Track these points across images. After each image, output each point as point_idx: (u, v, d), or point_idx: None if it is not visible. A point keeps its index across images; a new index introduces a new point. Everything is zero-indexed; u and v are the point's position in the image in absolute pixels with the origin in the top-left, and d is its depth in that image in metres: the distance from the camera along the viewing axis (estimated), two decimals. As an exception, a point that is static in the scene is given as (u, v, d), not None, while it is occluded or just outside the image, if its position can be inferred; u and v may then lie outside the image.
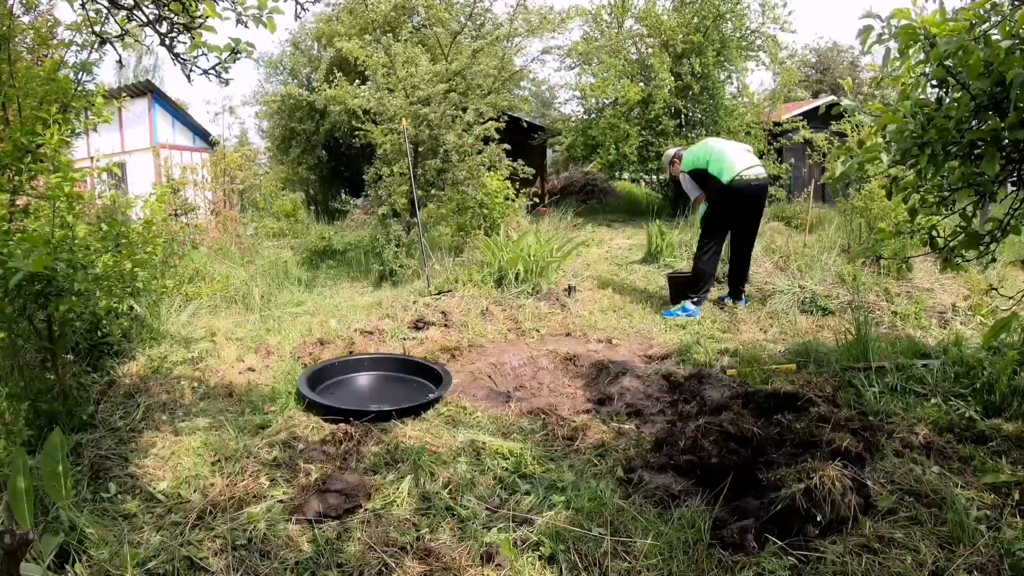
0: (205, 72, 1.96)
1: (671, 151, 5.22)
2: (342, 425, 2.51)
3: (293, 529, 1.77)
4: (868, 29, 1.85)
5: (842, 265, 5.23)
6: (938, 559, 1.51)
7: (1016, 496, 1.75)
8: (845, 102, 2.14)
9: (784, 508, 1.73)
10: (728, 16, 10.72)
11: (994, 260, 1.97)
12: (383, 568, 1.61)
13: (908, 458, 2.02)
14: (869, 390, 2.64)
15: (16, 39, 2.90)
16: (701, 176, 4.61)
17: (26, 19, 4.72)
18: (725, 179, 4.39)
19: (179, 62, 1.93)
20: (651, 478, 2.14)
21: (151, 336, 3.44)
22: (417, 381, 3.15)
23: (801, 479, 1.77)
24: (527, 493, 1.98)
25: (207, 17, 1.84)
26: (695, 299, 4.54)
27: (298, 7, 1.99)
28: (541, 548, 1.66)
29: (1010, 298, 2.28)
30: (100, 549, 1.64)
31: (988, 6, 1.75)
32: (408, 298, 5.10)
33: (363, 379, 3.19)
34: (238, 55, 1.95)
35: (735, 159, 4.46)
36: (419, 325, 4.16)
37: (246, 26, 1.82)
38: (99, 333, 3.08)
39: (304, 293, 6.00)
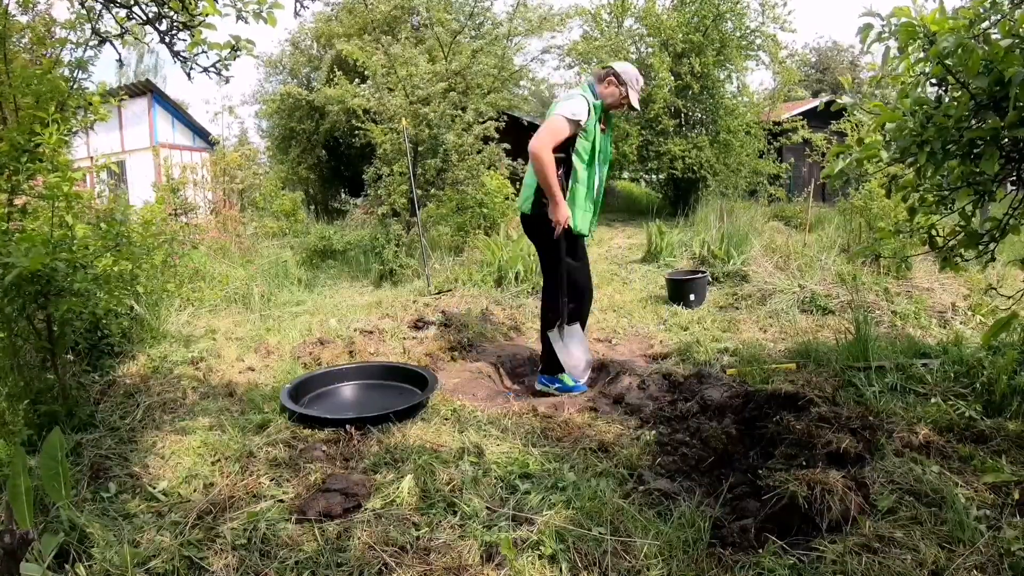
0: (205, 70, 1.96)
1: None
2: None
3: (294, 529, 1.77)
4: (868, 27, 1.85)
5: (842, 264, 5.23)
6: (938, 558, 1.51)
7: (1016, 495, 1.75)
8: (844, 99, 2.13)
9: (784, 508, 1.73)
10: (728, 15, 10.73)
11: (993, 259, 1.97)
12: (383, 567, 1.61)
13: (908, 457, 2.02)
14: (869, 389, 2.64)
15: (13, 38, 2.89)
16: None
17: (23, 19, 4.71)
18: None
19: (179, 60, 1.92)
20: (651, 478, 2.14)
21: (151, 336, 3.44)
22: (402, 387, 3.11)
23: (801, 479, 1.77)
24: (528, 492, 1.98)
25: (207, 15, 1.83)
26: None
27: (297, 4, 1.99)
28: (542, 547, 1.66)
29: (1010, 297, 2.28)
30: (100, 549, 1.64)
31: (987, 4, 1.75)
32: (408, 297, 5.10)
33: (347, 389, 3.16)
34: (238, 52, 1.95)
35: None
36: (419, 324, 4.16)
37: (246, 22, 1.81)
38: (99, 333, 3.08)
39: (304, 293, 6.00)
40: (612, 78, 3.20)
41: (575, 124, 3.05)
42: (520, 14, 8.87)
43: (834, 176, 2.14)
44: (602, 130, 3.23)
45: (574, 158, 3.12)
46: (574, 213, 3.14)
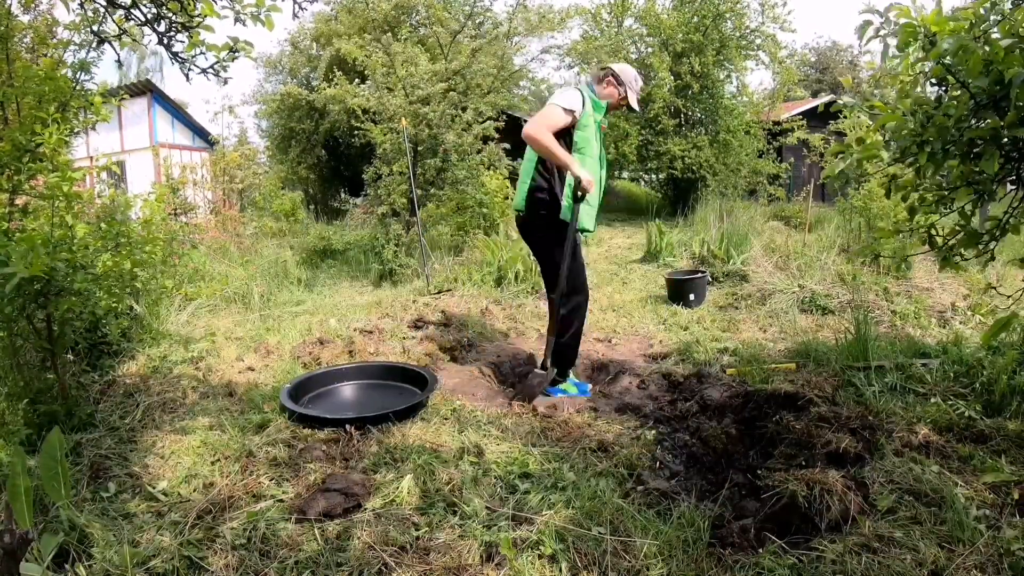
0: (203, 71, 1.96)
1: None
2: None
3: (293, 529, 1.77)
4: (867, 24, 1.85)
5: (842, 264, 5.23)
6: (938, 558, 1.51)
7: (1016, 495, 1.75)
8: (845, 99, 2.13)
9: (783, 507, 1.74)
10: (727, 15, 10.74)
11: (993, 259, 1.97)
12: (383, 567, 1.61)
13: (908, 457, 2.02)
14: (869, 389, 2.64)
15: (15, 38, 2.89)
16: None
17: (25, 19, 4.72)
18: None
19: (177, 61, 1.92)
20: (651, 477, 2.14)
21: (151, 335, 3.44)
22: (402, 387, 3.11)
23: (800, 479, 1.78)
24: (527, 492, 1.98)
25: (205, 16, 1.83)
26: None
27: (296, 6, 1.98)
28: (541, 547, 1.66)
29: (1009, 297, 2.28)
30: (100, 549, 1.64)
31: (988, 5, 1.75)
32: (408, 297, 5.10)
33: (347, 389, 3.15)
34: (236, 54, 1.94)
35: None
36: (419, 324, 4.16)
37: (244, 24, 1.81)
38: (99, 333, 3.08)
39: (304, 292, 6.00)
40: (611, 78, 3.18)
41: (570, 114, 2.98)
42: (520, 13, 8.87)
43: (835, 177, 2.14)
44: (603, 127, 3.19)
45: (574, 154, 3.00)
46: (577, 209, 3.00)
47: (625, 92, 3.18)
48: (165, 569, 1.59)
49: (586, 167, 2.98)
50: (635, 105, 3.25)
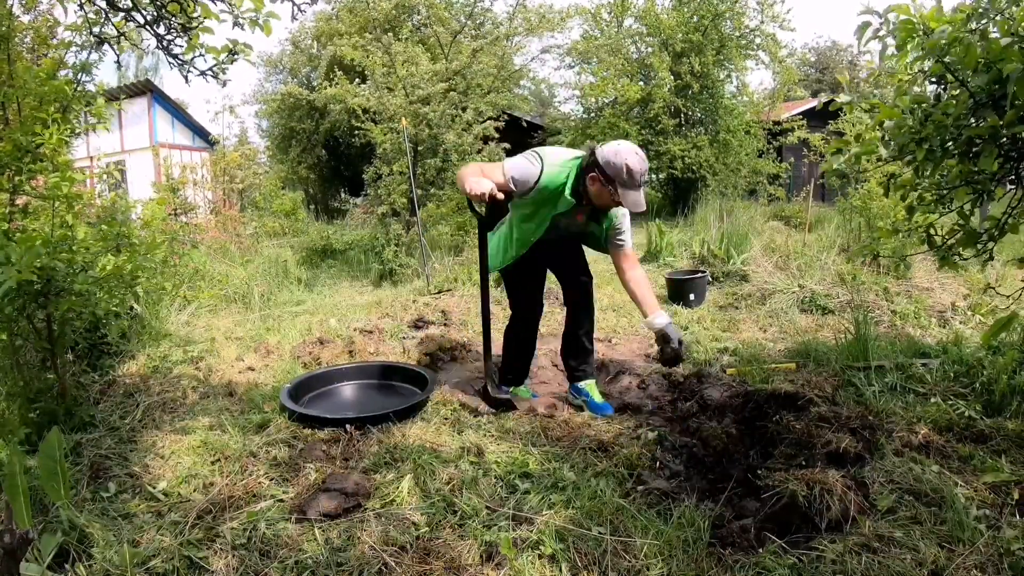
0: (202, 73, 1.96)
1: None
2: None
3: (293, 529, 1.77)
4: (865, 25, 1.85)
5: (841, 264, 5.23)
6: (938, 558, 1.51)
7: (1016, 495, 1.75)
8: (842, 97, 2.12)
9: (783, 507, 1.74)
10: (727, 15, 10.74)
11: (992, 259, 1.97)
12: (383, 567, 1.61)
13: (908, 457, 2.02)
14: (869, 389, 2.64)
15: (16, 39, 2.89)
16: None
17: (26, 19, 4.72)
18: None
19: (176, 64, 1.93)
20: (651, 477, 2.14)
21: (151, 335, 3.44)
22: (402, 387, 3.11)
23: (800, 478, 1.78)
24: (527, 492, 1.98)
25: (205, 18, 1.83)
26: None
27: (295, 8, 1.98)
28: (541, 547, 1.66)
29: (1009, 297, 2.28)
30: (100, 549, 1.64)
31: (985, 2, 1.75)
32: (408, 297, 5.10)
33: (347, 389, 3.15)
34: (235, 56, 1.95)
35: None
36: (419, 324, 4.16)
37: (242, 28, 1.82)
38: (99, 333, 3.09)
39: (304, 292, 6.00)
40: (596, 174, 2.44)
41: (510, 185, 2.52)
42: (520, 13, 8.88)
43: (831, 172, 2.13)
44: (578, 217, 2.65)
45: (512, 211, 2.74)
46: (496, 250, 2.84)
47: (615, 191, 2.42)
48: (165, 569, 1.60)
49: (520, 233, 2.70)
50: (633, 206, 2.46)
